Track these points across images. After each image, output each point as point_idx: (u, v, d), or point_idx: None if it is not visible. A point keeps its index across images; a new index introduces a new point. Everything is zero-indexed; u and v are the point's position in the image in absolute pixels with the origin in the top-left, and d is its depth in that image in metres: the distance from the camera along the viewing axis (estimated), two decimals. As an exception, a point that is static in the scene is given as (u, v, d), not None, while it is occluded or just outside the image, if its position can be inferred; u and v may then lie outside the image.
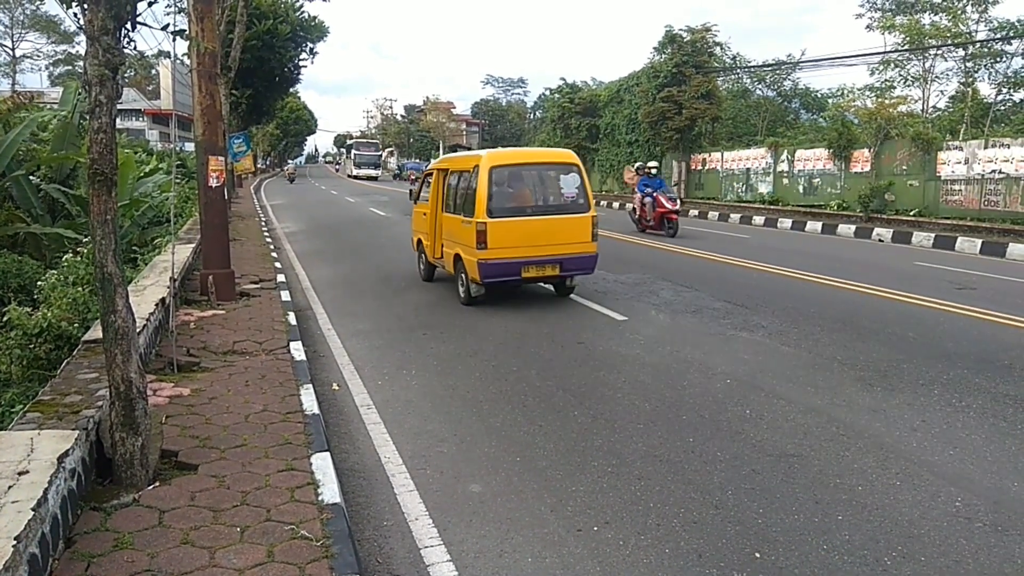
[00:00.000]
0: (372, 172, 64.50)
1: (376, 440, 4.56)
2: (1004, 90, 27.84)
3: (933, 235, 18.99)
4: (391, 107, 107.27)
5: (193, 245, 10.31)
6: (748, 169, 29.45)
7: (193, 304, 8.17)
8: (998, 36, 25.99)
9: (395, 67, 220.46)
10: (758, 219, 25.06)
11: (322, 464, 3.87)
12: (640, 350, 6.74)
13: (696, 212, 28.52)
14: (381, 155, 69.94)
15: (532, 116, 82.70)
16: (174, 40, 4.38)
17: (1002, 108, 28.18)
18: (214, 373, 5.55)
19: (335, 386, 5.68)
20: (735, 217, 25.95)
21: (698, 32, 31.47)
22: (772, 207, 26.83)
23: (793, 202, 26.51)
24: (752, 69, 35.84)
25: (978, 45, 26.57)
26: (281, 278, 10.12)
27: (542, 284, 9.37)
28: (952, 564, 3.18)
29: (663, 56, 32.60)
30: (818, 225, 22.46)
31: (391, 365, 6.25)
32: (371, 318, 8.17)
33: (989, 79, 27.60)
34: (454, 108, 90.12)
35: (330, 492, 3.55)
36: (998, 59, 26.38)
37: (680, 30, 31.93)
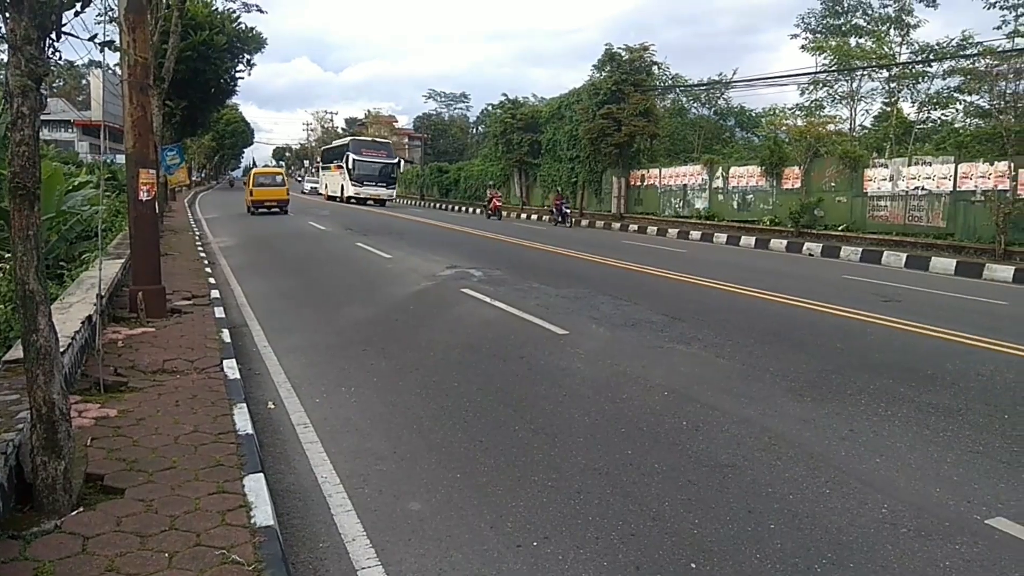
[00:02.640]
0: (383, 192, 44.53)
1: (313, 459, 4.47)
2: (925, 109, 29.24)
3: (860, 249, 19.72)
4: (332, 120, 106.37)
5: (123, 260, 9.96)
6: (685, 185, 30.11)
7: (122, 322, 7.89)
8: (919, 59, 27.31)
9: (337, 80, 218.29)
10: (695, 234, 25.62)
11: (255, 486, 3.77)
12: (580, 363, 6.79)
13: (636, 227, 29.00)
14: (398, 164, 47.10)
15: (475, 131, 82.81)
16: (102, 51, 4.25)
17: (924, 127, 29.57)
18: (143, 393, 5.36)
19: (270, 404, 5.55)
20: (673, 232, 26.47)
21: (636, 51, 32.18)
22: (708, 222, 27.48)
23: (728, 217, 27.23)
24: (688, 88, 36.74)
25: (901, 67, 27.84)
26: (215, 294, 9.86)
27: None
28: (879, 570, 3.29)
29: (603, 74, 33.17)
30: (752, 240, 23.09)
31: (329, 382, 6.14)
32: (309, 334, 8.03)
33: (911, 99, 28.97)
34: (396, 122, 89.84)
35: (263, 514, 3.45)
36: (919, 80, 27.71)
37: (619, 49, 32.60)
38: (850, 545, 3.50)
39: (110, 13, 15.70)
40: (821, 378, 6.38)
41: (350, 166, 43.71)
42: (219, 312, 8.56)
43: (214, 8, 23.39)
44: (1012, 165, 18.59)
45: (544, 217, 35.90)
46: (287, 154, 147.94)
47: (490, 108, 50.48)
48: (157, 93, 15.62)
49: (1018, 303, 11.92)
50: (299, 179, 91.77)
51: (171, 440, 4.42)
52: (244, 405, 5.08)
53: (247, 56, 24.97)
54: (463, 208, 45.65)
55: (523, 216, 38.01)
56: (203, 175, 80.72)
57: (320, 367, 6.66)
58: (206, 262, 13.32)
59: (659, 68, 34.47)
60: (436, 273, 12.51)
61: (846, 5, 30.39)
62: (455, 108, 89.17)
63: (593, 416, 5.33)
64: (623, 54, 32.27)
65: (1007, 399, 5.88)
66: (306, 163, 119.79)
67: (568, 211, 30.71)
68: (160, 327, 7.70)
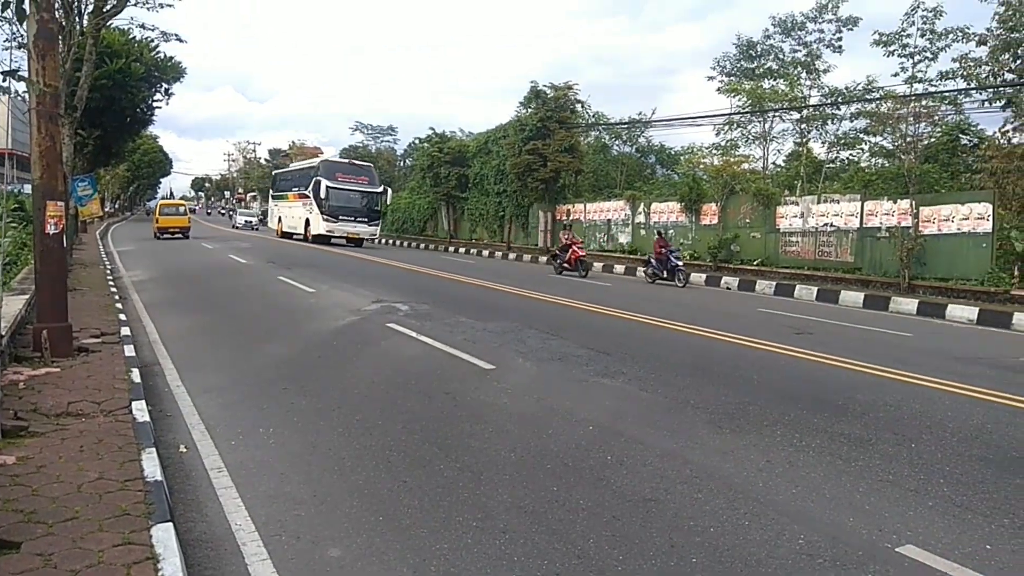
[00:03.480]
0: (364, 229, 34.89)
1: (227, 506, 4.28)
2: (834, 149, 30.88)
3: (774, 283, 20.49)
4: (254, 150, 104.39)
5: (27, 296, 9.44)
6: (609, 220, 30.79)
7: (24, 362, 7.44)
8: (828, 102, 28.87)
9: (262, 110, 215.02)
10: (619, 267, 26.16)
11: (163, 536, 3.57)
12: (507, 399, 6.77)
13: (562, 260, 29.32)
14: (384, 193, 36.63)
15: (402, 164, 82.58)
16: (5, 80, 4.06)
17: (833, 166, 31.20)
18: (44, 438, 5.04)
19: (182, 448, 5.31)
20: (598, 266, 26.93)
21: (561, 89, 32.93)
22: (632, 256, 28.12)
23: (650, 252, 27.90)
24: (610, 126, 37.77)
25: (811, 109, 29.36)
26: (126, 331, 9.43)
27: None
28: (795, 599, 3.35)
29: (529, 110, 33.76)
30: (674, 273, 23.63)
31: (246, 423, 5.93)
32: (226, 372, 7.76)
33: (821, 139, 30.55)
34: (322, 153, 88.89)
35: (171, 567, 3.27)
36: (828, 122, 29.27)
37: (544, 86, 33.28)
38: (769, 577, 3.56)
39: (18, 39, 15.08)
40: (739, 410, 6.55)
41: (322, 195, 33.36)
42: (129, 350, 8.18)
43: (131, 36, 22.74)
44: (914, 203, 19.76)
45: (473, 250, 35.90)
46: (206, 184, 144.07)
47: (417, 141, 50.64)
48: (68, 122, 15.02)
49: (921, 335, 12.58)
50: (224, 211, 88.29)
51: (74, 488, 4.16)
52: (153, 449, 4.84)
53: (165, 85, 24.31)
54: (391, 241, 45.33)
55: (451, 249, 38.00)
56: (117, 206, 77.73)
57: (237, 407, 6.42)
58: (117, 297, 12.75)
59: (583, 106, 35.36)
60: (361, 308, 12.32)
61: (759, 50, 31.93)
62: (382, 141, 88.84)
63: (519, 452, 5.31)
64: (548, 92, 32.98)
65: (914, 428, 6.15)
66: (227, 194, 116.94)
67: (680, 263, 21.28)
68: (65, 367, 7.29)
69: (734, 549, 3.84)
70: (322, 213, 33.68)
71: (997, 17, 19.43)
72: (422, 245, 42.48)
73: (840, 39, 29.45)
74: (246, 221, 59.17)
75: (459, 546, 3.82)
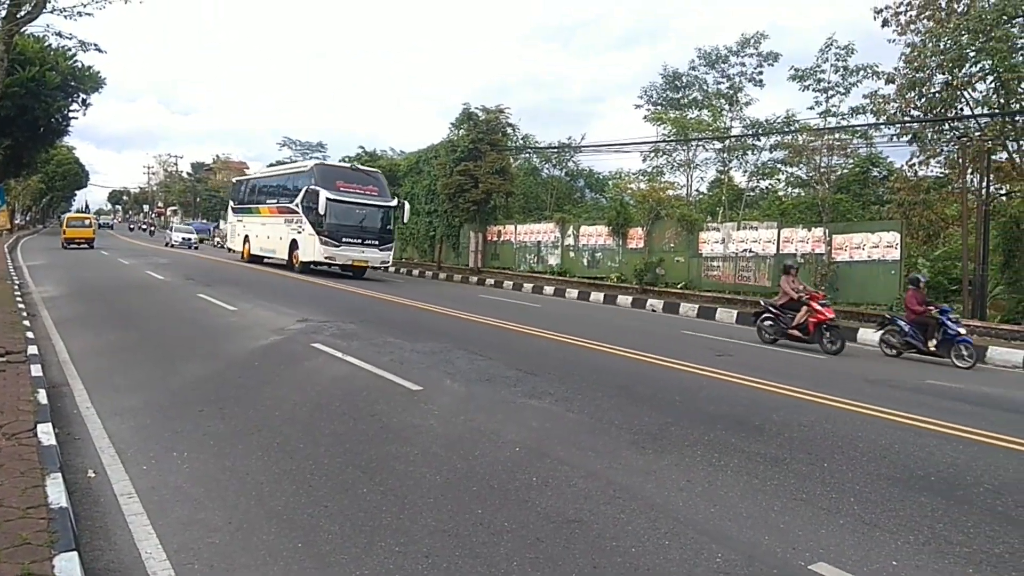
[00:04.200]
0: (375, 255, 26.44)
1: (137, 534, 4.10)
2: (754, 178, 32.14)
3: (697, 306, 21.07)
4: (176, 163, 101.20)
5: (-80, 312, 8.86)
6: (539, 242, 31.11)
7: (-86, 382, 6.97)
8: (749, 132, 30.06)
9: (185, 123, 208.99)
10: (549, 289, 26.41)
11: (67, 566, 3.39)
12: (434, 420, 6.73)
13: (492, 281, 29.48)
14: (398, 208, 27.75)
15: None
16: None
17: (752, 194, 32.44)
18: (-65, 465, 4.73)
19: (91, 473, 5.06)
20: (528, 287, 27.14)
21: (493, 112, 33.24)
22: (561, 278, 28.46)
23: (579, 273, 28.37)
24: (540, 150, 38.32)
25: (733, 139, 30.49)
26: (33, 349, 8.95)
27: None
28: (712, 617, 3.43)
29: (460, 132, 33.94)
30: (601, 296, 24.08)
31: (160, 447, 5.70)
32: (140, 393, 7.45)
33: (742, 169, 31.75)
34: (248, 168, 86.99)
35: (75, 599, 3.11)
36: (749, 152, 30.44)
37: (476, 109, 33.53)
38: (687, 595, 3.64)
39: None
40: (662, 430, 6.68)
41: (320, 210, 24.86)
42: (36, 370, 7.76)
43: (47, 44, 21.86)
44: (827, 231, 20.71)
45: (404, 269, 35.55)
46: (124, 198, 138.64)
47: (346, 160, 50.10)
48: (-27, 128, 14.28)
49: (835, 358, 13.12)
50: (145, 227, 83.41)
51: (-33, 518, 3.91)
52: (59, 474, 4.60)
53: (83, 95, 23.46)
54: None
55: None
56: (29, 218, 74.00)
57: (150, 430, 6.17)
58: (25, 314, 12.10)
59: (514, 129, 35.75)
60: (285, 327, 12.05)
61: (684, 81, 33.01)
62: (311, 156, 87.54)
63: (445, 475, 5.27)
64: (480, 114, 33.23)
65: (826, 448, 6.41)
66: (145, 208, 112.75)
67: (961, 329, 13.27)
68: (-38, 388, 6.86)
69: (654, 568, 3.90)
70: (319, 234, 25.04)
71: (904, 57, 20.66)
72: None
73: (761, 73, 30.79)
74: (184, 239, 49.25)
75: (380, 572, 3.76)
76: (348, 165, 29.48)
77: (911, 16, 20.78)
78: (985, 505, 5.18)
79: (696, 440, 6.40)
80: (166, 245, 47.47)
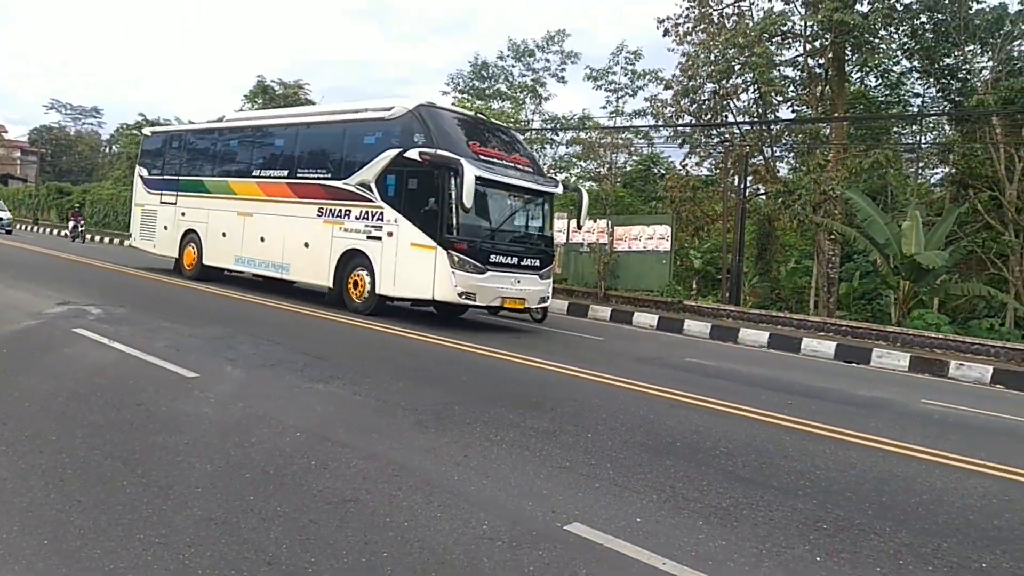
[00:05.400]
0: (536, 288, 13.87)
1: None
2: (551, 171, 33.61)
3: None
4: None
5: None
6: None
7: None
8: (548, 127, 31.40)
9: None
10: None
11: None
12: (209, 408, 6.43)
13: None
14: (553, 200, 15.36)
15: (108, 150, 73.48)
16: None
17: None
18: None
19: None
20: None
21: (291, 87, 31.95)
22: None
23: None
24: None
25: (533, 132, 31.70)
26: None
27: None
28: (474, 580, 3.65)
29: (255, 105, 32.26)
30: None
31: None
32: None
33: (541, 161, 33.06)
34: (6, 132, 76.35)
35: None
36: (548, 146, 31.82)
37: (272, 82, 32.01)
38: (453, 561, 3.83)
39: None
40: (446, 409, 6.90)
41: (459, 201, 12.13)
42: None
43: None
44: (610, 223, 22.23)
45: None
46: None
47: (125, 127, 45.72)
48: None
49: (611, 339, 14.23)
50: None
51: None
52: None
53: None
54: (94, 237, 40.30)
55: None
56: None
57: None
58: None
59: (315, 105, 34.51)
60: (43, 311, 10.85)
61: (491, 71, 33.75)
62: (84, 123, 78.59)
63: (216, 463, 5.08)
64: (276, 88, 31.79)
65: (592, 421, 6.96)
66: None
67: None
68: None
69: (424, 539, 4.06)
70: (448, 248, 12.49)
71: (679, 66, 22.68)
72: (127, 242, 34.50)
73: (564, 70, 32.30)
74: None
75: (137, 564, 3.58)
76: (470, 114, 15.88)
77: (688, 28, 22.84)
78: (719, 466, 5.92)
79: (477, 417, 6.68)
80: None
